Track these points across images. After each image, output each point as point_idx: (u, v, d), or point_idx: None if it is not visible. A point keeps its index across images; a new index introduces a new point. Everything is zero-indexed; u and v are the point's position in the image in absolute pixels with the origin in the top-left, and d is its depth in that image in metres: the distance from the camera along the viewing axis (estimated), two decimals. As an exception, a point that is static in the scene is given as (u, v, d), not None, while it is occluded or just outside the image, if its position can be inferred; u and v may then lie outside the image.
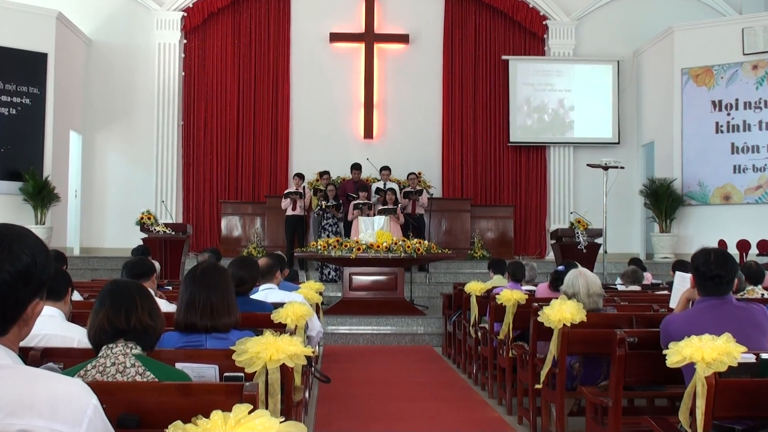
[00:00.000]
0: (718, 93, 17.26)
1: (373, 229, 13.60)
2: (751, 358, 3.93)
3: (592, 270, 8.89)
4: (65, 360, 3.56)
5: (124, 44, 18.68)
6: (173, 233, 13.75)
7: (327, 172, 17.03)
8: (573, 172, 19.12)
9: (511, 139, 19.07)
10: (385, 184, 16.62)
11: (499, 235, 18.11)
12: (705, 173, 17.32)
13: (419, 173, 17.36)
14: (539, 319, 5.87)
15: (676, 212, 17.43)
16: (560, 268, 7.90)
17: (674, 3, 19.25)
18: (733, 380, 3.86)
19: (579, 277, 6.06)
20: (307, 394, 6.68)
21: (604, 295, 6.25)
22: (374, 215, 14.90)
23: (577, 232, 14.47)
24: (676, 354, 3.99)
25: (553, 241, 15.22)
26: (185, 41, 18.87)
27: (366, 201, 15.57)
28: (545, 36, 19.41)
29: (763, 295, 7.60)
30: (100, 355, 3.14)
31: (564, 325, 5.62)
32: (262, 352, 3.64)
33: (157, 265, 7.41)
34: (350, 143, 18.80)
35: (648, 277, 11.16)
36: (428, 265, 15.63)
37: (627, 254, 16.81)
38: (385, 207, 15.06)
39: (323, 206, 15.67)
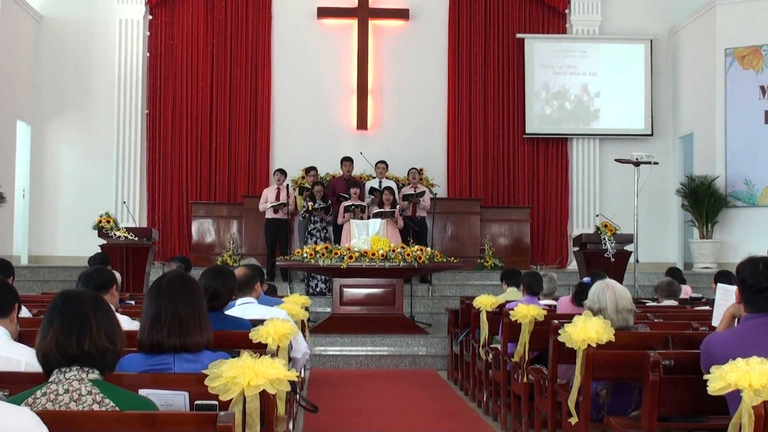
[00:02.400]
0: None
1: (367, 235, 13.59)
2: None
3: (621, 282, 8.87)
4: (11, 386, 3.56)
5: (80, 20, 18.66)
6: (136, 239, 13.72)
7: (314, 169, 17.02)
8: (599, 168, 19.13)
9: (527, 131, 19.08)
10: (380, 181, 16.62)
11: (513, 242, 18.12)
12: (752, 170, 17.32)
13: (421, 169, 17.36)
14: (560, 338, 5.86)
15: (718, 215, 17.42)
16: (586, 279, 7.90)
17: (716, -27, 19.28)
18: (785, 410, 3.86)
19: (606, 290, 6.05)
20: (291, 426, 6.67)
21: (635, 311, 6.25)
22: (369, 218, 14.89)
23: (604, 238, 14.47)
24: (719, 380, 3.99)
25: (576, 249, 15.21)
26: (150, 17, 18.85)
27: (359, 203, 15.55)
28: (567, 11, 19.42)
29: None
30: (51, 380, 3.12)
31: (589, 345, 5.62)
32: (239, 376, 3.63)
33: (117, 275, 7.39)
34: (341, 135, 18.79)
35: (686, 291, 11.16)
36: (431, 275, 15.63)
37: (662, 264, 16.81)
38: (382, 210, 15.05)
39: (309, 208, 15.62)
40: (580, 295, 7.60)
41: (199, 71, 18.80)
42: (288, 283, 15.50)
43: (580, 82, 19.16)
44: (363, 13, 18.95)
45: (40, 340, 3.18)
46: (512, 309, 7.88)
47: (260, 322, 5.58)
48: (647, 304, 9.66)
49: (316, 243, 14.91)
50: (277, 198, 16.09)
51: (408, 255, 12.88)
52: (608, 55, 19.23)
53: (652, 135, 19.15)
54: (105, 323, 3.23)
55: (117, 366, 3.37)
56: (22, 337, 4.63)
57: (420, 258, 12.89)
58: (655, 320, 7.42)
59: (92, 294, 3.35)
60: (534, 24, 19.38)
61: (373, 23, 19.04)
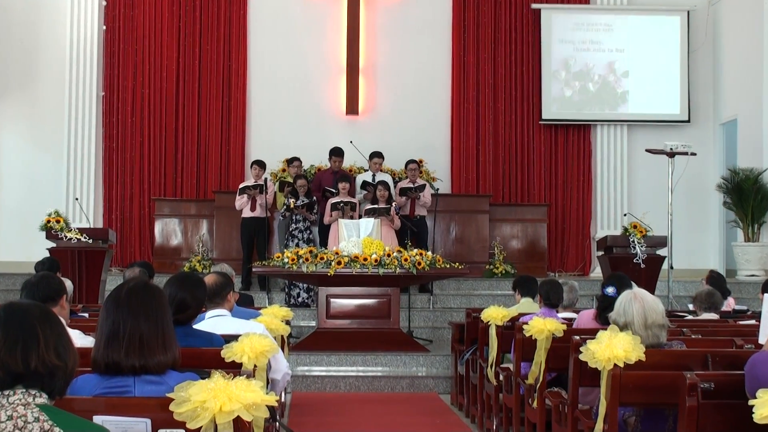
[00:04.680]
0: (823, 54, 17.31)
1: (358, 236, 13.57)
2: None
3: (653, 292, 8.87)
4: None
5: (25, -12, 18.66)
6: (90, 242, 13.71)
7: (297, 159, 16.98)
8: (627, 159, 19.12)
9: (543, 116, 19.09)
10: (374, 175, 16.59)
11: (527, 245, 18.11)
12: (805, 161, 17.35)
13: (420, 161, 17.36)
14: (582, 357, 5.86)
15: (766, 214, 17.43)
16: (609, 290, 7.83)
17: (763, -66, 19.27)
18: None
19: (633, 301, 6.04)
20: (270, 458, 6.67)
21: (669, 326, 6.24)
22: (360, 217, 14.87)
23: (633, 241, 14.47)
24: (766, 405, 3.99)
25: (601, 253, 15.21)
26: (107, -16, 18.85)
27: (349, 199, 15.53)
28: (590, -22, 19.46)
29: None
30: (-9, 405, 3.12)
31: (615, 365, 5.62)
32: (209, 400, 3.63)
33: (69, 284, 7.38)
34: (328, 122, 18.78)
35: (729, 302, 11.16)
36: (432, 284, 15.62)
37: (700, 271, 16.79)
38: (375, 206, 15.03)
39: (291, 205, 15.58)
40: (605, 311, 7.54)
41: (163, 47, 18.76)
42: (266, 293, 15.49)
43: (605, 60, 19.15)
44: (354, -19, 18.95)
45: (-20, 358, 3.17)
46: (526, 323, 7.88)
47: (234, 337, 5.58)
48: (685, 318, 9.66)
49: (298, 246, 14.89)
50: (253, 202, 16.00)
51: (405, 260, 12.88)
52: (638, 29, 19.22)
53: (688, 121, 19.15)
54: (54, 338, 3.22)
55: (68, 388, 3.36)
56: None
57: (419, 263, 12.88)
58: (692, 336, 7.41)
59: (40, 306, 3.35)
60: (552, -8, 19.41)
61: (365, -8, 19.05)
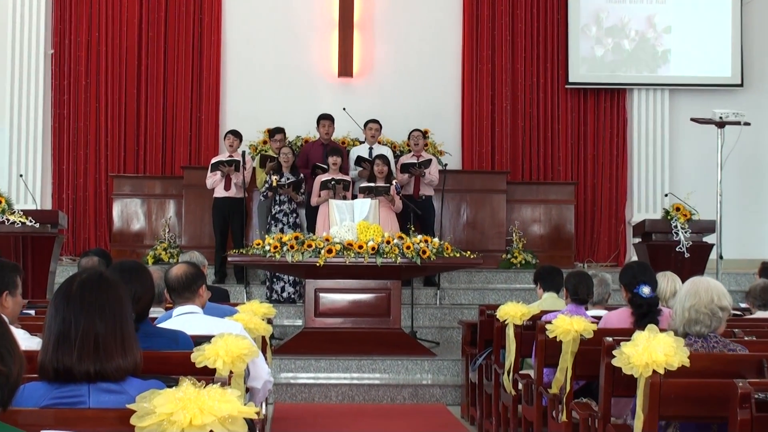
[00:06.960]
0: None
1: (352, 220, 13.57)
2: None
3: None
4: None
5: (-40, -74, 18.61)
6: (37, 226, 13.71)
7: (281, 131, 16.91)
8: (669, 130, 19.11)
9: (570, 79, 19.08)
10: (371, 148, 16.58)
11: (551, 230, 18.12)
12: None
13: (426, 131, 17.33)
14: (615, 362, 5.86)
15: (832, 195, 17.47)
16: (645, 290, 7.67)
17: None
18: None
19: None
20: (248, 481, 6.68)
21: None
22: (354, 197, 14.87)
23: (676, 227, 14.47)
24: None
25: (638, 240, 15.22)
26: None
27: (341, 176, 15.50)
28: None
29: None
30: None
31: (654, 372, 5.61)
32: (177, 412, 3.63)
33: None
34: (317, 85, 18.77)
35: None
36: (439, 276, 15.64)
37: (755, 261, 16.80)
38: (372, 185, 15.02)
39: (273, 183, 15.54)
40: (644, 318, 7.45)
41: (123, -3, 18.73)
42: (244, 287, 15.51)
43: (643, 14, 19.11)
44: None
45: None
46: (550, 322, 7.88)
47: (207, 338, 5.57)
48: (748, 316, 9.63)
49: (282, 231, 14.88)
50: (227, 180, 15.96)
51: (408, 248, 12.88)
52: (682, -23, 19.22)
53: (741, 85, 19.12)
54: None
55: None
56: None
57: (424, 252, 12.89)
58: (746, 338, 7.41)
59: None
60: (581, -67, 19.37)
61: (361, -69, 19.02)
